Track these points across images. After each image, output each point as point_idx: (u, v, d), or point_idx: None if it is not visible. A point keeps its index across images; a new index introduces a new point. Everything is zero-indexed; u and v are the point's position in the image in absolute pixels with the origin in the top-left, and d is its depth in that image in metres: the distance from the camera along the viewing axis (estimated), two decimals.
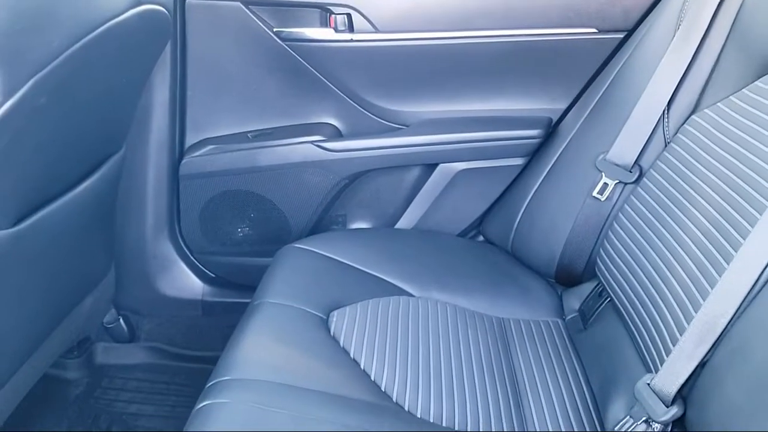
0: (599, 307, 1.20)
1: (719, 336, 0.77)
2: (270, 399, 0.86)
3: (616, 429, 0.85)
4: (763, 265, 0.76)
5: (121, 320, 1.50)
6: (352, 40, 1.35)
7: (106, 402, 1.42)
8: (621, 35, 1.31)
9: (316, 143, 1.39)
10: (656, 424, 0.79)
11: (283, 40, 1.35)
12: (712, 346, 0.77)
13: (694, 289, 0.87)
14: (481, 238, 1.53)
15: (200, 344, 1.50)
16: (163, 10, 1.08)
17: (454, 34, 1.34)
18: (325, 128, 1.43)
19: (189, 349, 1.51)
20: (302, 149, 1.40)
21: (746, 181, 0.90)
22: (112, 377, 1.48)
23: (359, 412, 0.89)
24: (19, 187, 0.90)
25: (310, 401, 0.87)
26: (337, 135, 1.43)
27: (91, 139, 1.07)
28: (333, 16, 1.34)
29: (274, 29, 1.35)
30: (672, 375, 0.80)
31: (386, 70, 1.39)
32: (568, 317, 1.26)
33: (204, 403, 0.84)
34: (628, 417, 0.84)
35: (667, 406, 0.79)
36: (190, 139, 1.42)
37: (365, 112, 1.42)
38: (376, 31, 1.34)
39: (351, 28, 1.34)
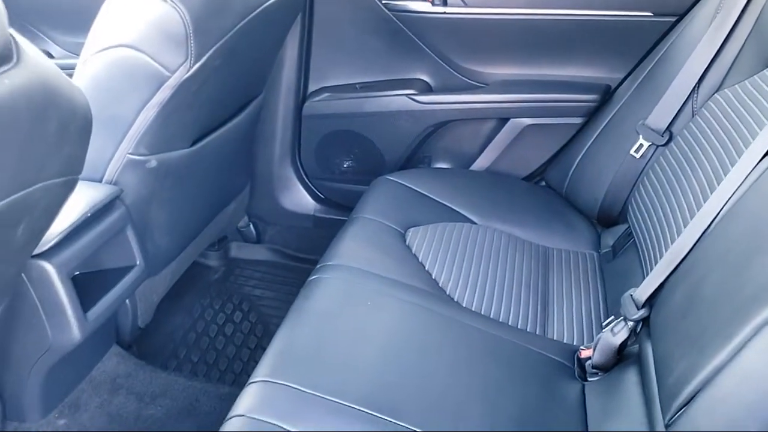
0: (627, 244, 1.47)
1: (680, 261, 1.05)
2: (357, 279, 1.23)
3: (604, 324, 1.16)
4: (717, 210, 1.03)
5: (251, 225, 1.90)
6: (445, 13, 1.65)
7: (237, 286, 1.84)
8: (672, 19, 1.54)
9: (410, 96, 1.72)
10: (630, 322, 1.10)
11: (390, 10, 1.67)
12: (675, 268, 1.06)
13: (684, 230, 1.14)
14: (543, 183, 1.81)
15: (309, 249, 1.86)
16: None
17: (530, 11, 1.62)
18: (418, 83, 1.75)
19: (300, 252, 1.90)
20: (398, 100, 1.73)
21: (739, 150, 1.13)
22: (243, 268, 1.90)
23: (420, 296, 1.24)
24: (196, 120, 1.30)
25: (385, 284, 1.24)
26: (428, 89, 1.75)
27: (244, 87, 1.46)
28: None
29: (383, 1, 1.67)
30: (646, 288, 1.09)
31: (471, 37, 1.68)
32: (603, 251, 1.54)
33: (313, 278, 1.23)
34: (613, 317, 1.15)
35: (638, 309, 1.09)
36: (311, 87, 1.78)
37: (452, 71, 1.72)
38: (465, 5, 1.63)
39: (445, 2, 1.64)
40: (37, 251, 1.00)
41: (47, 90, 0.73)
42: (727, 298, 0.87)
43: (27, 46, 0.72)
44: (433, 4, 1.65)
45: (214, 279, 1.86)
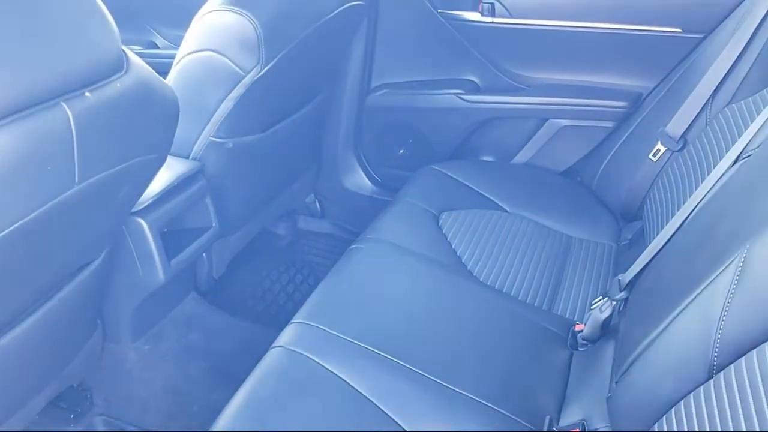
0: (641, 238, 1.64)
1: (658, 250, 1.23)
2: (389, 250, 1.47)
3: (594, 302, 1.34)
4: (693, 206, 1.20)
5: (317, 202, 2.16)
6: (493, 22, 1.85)
7: (301, 253, 2.11)
8: (699, 36, 1.68)
9: (458, 95, 1.93)
10: (613, 301, 1.28)
11: (445, 18, 1.89)
12: (653, 256, 1.23)
13: None
14: (578, 178, 1.98)
15: (365, 226, 2.05)
16: (362, 3, 1.67)
17: (570, 23, 1.79)
18: (466, 83, 1.96)
19: (357, 227, 2.12)
20: (449, 98, 1.94)
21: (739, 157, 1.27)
22: (307, 238, 2.16)
23: (443, 269, 1.46)
24: (266, 111, 1.56)
25: (412, 257, 1.46)
26: (476, 88, 1.95)
27: (309, 85, 1.71)
28: (481, 3, 1.84)
29: (438, 10, 1.88)
30: (630, 273, 1.27)
31: (516, 44, 1.87)
32: (622, 243, 1.71)
33: (353, 247, 1.47)
34: (601, 297, 1.33)
35: (620, 291, 1.27)
36: (373, 83, 2.02)
37: (497, 73, 1.92)
38: (511, 16, 1.83)
39: (493, 13, 1.84)
40: (134, 209, 1.30)
41: (147, 90, 1.00)
42: (676, 282, 1.06)
43: (133, 57, 0.99)
44: (482, 14, 1.85)
45: (282, 246, 2.14)
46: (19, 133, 0.78)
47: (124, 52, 0.97)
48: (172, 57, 1.45)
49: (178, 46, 1.46)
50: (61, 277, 1.07)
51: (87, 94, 0.87)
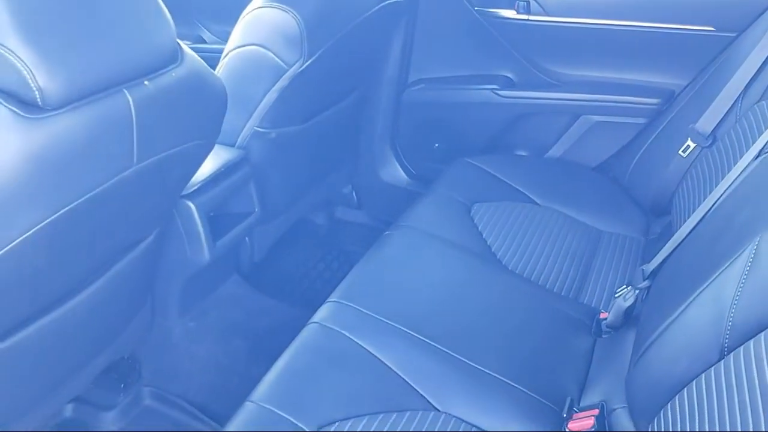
0: (669, 232, 1.67)
1: (681, 241, 1.27)
2: (420, 237, 1.53)
3: (618, 291, 1.38)
4: (721, 193, 1.23)
5: (354, 193, 2.24)
6: (528, 20, 1.90)
7: (338, 241, 2.19)
8: (732, 35, 1.70)
9: (493, 90, 1.98)
10: (636, 290, 1.32)
11: (480, 15, 1.94)
12: (676, 246, 1.27)
13: None
14: (610, 174, 2.01)
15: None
16: (400, 0, 1.74)
17: (603, 21, 1.83)
18: (502, 79, 2.01)
19: (392, 218, 2.20)
20: (484, 93, 2.00)
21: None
22: (344, 228, 2.24)
23: (473, 256, 1.52)
24: (308, 103, 1.64)
25: (443, 244, 1.53)
26: (510, 84, 2.00)
27: (348, 79, 1.79)
28: (517, 1, 1.90)
29: (475, 8, 1.94)
30: (653, 263, 1.32)
31: (550, 41, 1.92)
32: (651, 237, 1.74)
33: (386, 233, 1.55)
34: (625, 286, 1.38)
35: (644, 280, 1.32)
36: (411, 78, 2.08)
37: (532, 69, 1.97)
38: (546, 14, 1.87)
39: (528, 11, 1.89)
40: (184, 193, 1.39)
41: (199, 80, 1.08)
42: (694, 270, 1.10)
43: (186, 49, 1.08)
44: (518, 11, 1.90)
45: (320, 234, 2.22)
46: (87, 116, 0.87)
47: (178, 45, 1.05)
48: (219, 51, 1.54)
49: (224, 40, 1.55)
50: (118, 250, 1.17)
51: (146, 82, 0.96)
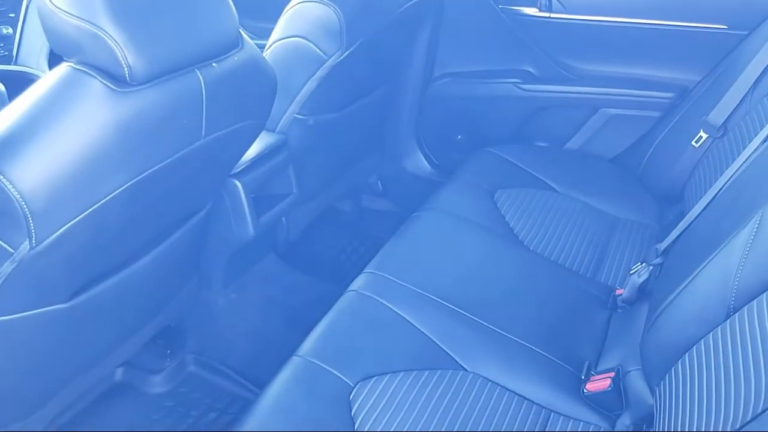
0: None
1: (692, 220, 1.37)
2: (447, 218, 1.64)
3: (633, 267, 1.49)
4: (730, 176, 1.33)
5: (379, 182, 2.35)
6: (549, 17, 2.01)
7: (365, 228, 2.29)
8: (744, 32, 1.80)
9: (515, 84, 2.09)
10: (650, 266, 1.43)
11: (504, 12, 2.05)
12: (688, 225, 1.37)
13: None
14: (626, 164, 2.11)
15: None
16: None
17: (621, 19, 1.93)
18: (523, 73, 2.12)
19: (416, 206, 2.31)
20: (506, 87, 2.10)
21: None
22: (369, 215, 2.34)
23: (496, 236, 1.63)
24: (344, 92, 1.76)
25: (468, 224, 1.64)
26: (532, 78, 2.10)
27: (379, 72, 1.90)
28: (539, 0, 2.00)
29: (499, 6, 2.05)
30: (666, 241, 1.42)
31: (571, 38, 2.02)
32: (664, 224, 1.84)
33: (414, 214, 1.66)
34: (640, 263, 1.48)
35: (657, 257, 1.42)
36: (436, 72, 2.19)
37: (553, 64, 2.07)
38: (567, 12, 1.98)
39: (550, 8, 2.00)
40: (232, 172, 1.51)
41: (256, 65, 1.20)
42: (703, 243, 1.20)
43: (246, 37, 1.20)
44: (540, 9, 2.01)
45: (347, 221, 2.33)
46: (166, 91, 0.99)
47: (240, 32, 1.17)
48: (260, 47, 1.65)
49: (261, 36, 1.66)
50: (177, 219, 1.29)
51: (214, 64, 1.08)
